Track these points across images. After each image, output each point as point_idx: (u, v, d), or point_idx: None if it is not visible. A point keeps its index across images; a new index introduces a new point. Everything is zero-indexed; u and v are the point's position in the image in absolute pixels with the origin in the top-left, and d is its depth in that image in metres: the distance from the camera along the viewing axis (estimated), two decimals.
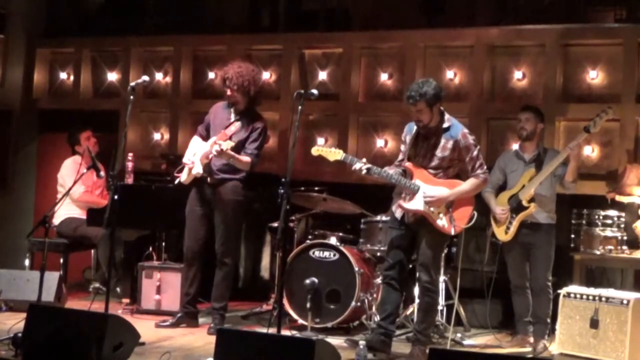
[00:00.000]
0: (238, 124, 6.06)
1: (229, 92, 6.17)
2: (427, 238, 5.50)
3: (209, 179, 6.17)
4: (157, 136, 8.57)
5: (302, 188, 6.72)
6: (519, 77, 7.31)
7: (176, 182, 6.21)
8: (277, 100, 8.01)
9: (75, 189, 6.85)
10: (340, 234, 6.59)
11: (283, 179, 5.15)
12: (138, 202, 6.51)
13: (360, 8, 8.53)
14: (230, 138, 5.99)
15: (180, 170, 6.20)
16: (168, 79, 8.56)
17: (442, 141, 5.51)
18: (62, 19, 9.20)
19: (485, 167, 5.58)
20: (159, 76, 8.59)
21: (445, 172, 5.54)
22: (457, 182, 5.56)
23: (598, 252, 6.30)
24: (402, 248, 5.59)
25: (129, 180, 7.06)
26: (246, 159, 6.12)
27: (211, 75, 8.23)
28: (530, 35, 7.31)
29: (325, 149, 5.74)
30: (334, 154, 5.63)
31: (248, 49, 8.24)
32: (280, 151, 7.88)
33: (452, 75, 7.54)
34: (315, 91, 5.51)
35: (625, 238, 6.36)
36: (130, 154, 7.19)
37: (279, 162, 7.68)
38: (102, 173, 6.91)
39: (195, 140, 6.32)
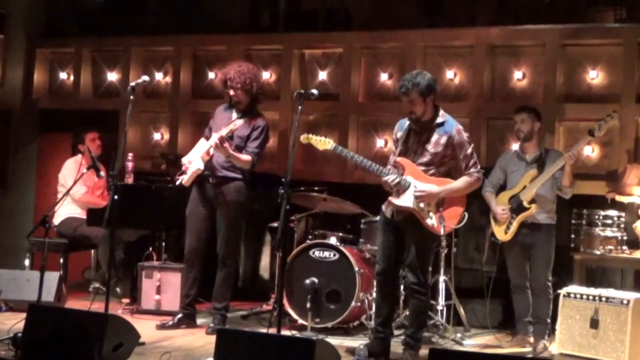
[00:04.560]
0: (239, 121, 6.06)
1: (231, 92, 6.16)
2: (415, 238, 5.35)
3: (211, 179, 6.15)
4: (157, 136, 8.57)
5: (302, 188, 6.71)
6: (519, 77, 7.31)
7: (177, 183, 6.19)
8: (277, 100, 8.00)
9: (76, 189, 6.85)
10: (340, 234, 6.59)
11: (283, 179, 5.12)
12: (138, 202, 6.50)
13: (360, 8, 8.53)
14: (231, 134, 5.99)
15: (182, 172, 6.18)
16: (168, 79, 8.55)
17: (435, 136, 5.37)
18: (62, 19, 9.20)
19: (479, 166, 5.44)
20: (159, 76, 8.59)
21: (438, 169, 5.39)
22: (448, 180, 5.42)
23: (598, 252, 6.29)
24: (392, 249, 5.46)
25: (129, 180, 7.06)
26: (246, 157, 6.10)
27: (211, 75, 8.21)
28: (530, 35, 7.30)
29: (315, 137, 5.60)
30: (324, 143, 5.51)
31: (248, 49, 8.24)
32: (280, 151, 7.88)
33: (452, 75, 7.54)
34: (315, 91, 5.47)
35: (625, 238, 6.34)
36: (130, 154, 7.18)
37: (279, 162, 7.68)
38: (102, 173, 6.91)
39: (200, 142, 6.32)
